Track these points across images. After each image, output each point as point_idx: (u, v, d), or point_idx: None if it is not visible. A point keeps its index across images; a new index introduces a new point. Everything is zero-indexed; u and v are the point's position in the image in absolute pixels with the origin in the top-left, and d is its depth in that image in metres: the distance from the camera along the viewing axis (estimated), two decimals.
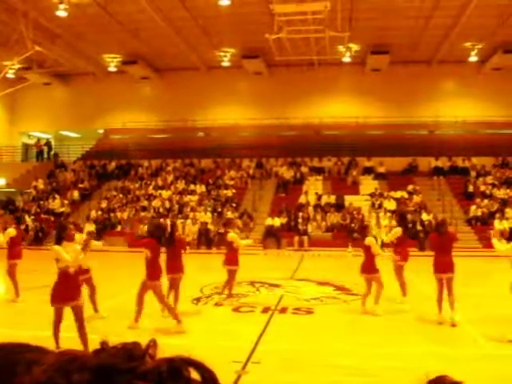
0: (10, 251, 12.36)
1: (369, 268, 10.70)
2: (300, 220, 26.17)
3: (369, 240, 10.84)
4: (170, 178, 31.26)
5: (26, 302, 11.68)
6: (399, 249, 11.99)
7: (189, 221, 26.16)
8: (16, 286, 11.96)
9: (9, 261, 12.30)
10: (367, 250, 10.79)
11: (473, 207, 26.52)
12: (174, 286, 10.66)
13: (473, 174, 29.85)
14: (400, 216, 13.85)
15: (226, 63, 31.23)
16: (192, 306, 11.48)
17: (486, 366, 7.15)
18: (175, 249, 10.58)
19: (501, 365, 7.29)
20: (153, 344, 0.64)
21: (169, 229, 10.80)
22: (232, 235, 11.82)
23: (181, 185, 30.40)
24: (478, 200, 27.15)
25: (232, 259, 11.65)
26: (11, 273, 12.17)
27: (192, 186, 30.15)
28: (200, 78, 34.09)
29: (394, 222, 25.60)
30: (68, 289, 7.39)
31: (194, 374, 0.60)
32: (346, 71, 32.76)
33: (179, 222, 25.92)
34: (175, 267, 10.48)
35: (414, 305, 11.09)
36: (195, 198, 28.91)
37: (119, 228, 27.41)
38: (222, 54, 30.48)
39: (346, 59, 29.61)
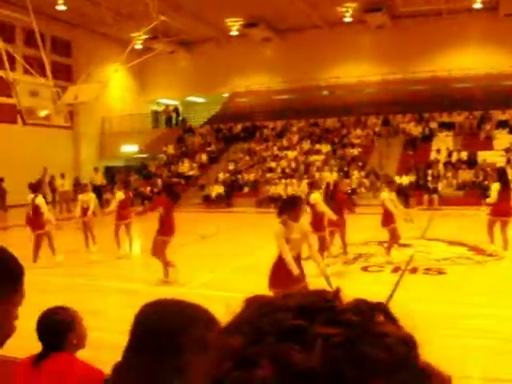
0: (118, 213, 13.67)
1: None
2: (429, 178, 25.28)
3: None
4: (295, 138, 31.27)
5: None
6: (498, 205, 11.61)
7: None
8: (118, 243, 13.44)
9: (116, 221, 13.72)
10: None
11: None
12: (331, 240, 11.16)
13: None
14: (498, 171, 12.83)
15: (347, 19, 30.50)
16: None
17: None
18: (336, 205, 10.91)
19: None
20: (339, 290, 0.63)
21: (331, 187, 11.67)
22: (316, 196, 10.80)
23: (306, 145, 30.34)
24: None
25: (315, 224, 10.10)
26: (116, 232, 13.53)
27: (317, 146, 30.00)
28: (322, 37, 33.53)
29: None
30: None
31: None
32: (477, 18, 30.75)
33: (305, 182, 26.06)
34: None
35: None
36: (321, 157, 28.77)
37: (246, 189, 27.91)
38: (343, 9, 29.74)
39: (478, 5, 27.82)
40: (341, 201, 11.49)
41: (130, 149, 34.11)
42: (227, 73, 35.48)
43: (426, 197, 24.29)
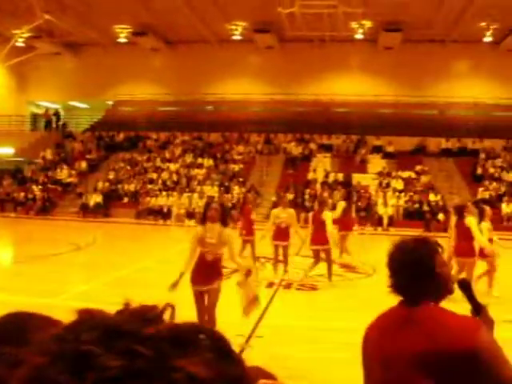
0: None
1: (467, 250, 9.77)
2: (307, 196, 26.14)
3: (469, 220, 9.86)
4: (178, 151, 31.22)
5: (35, 269, 11.77)
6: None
7: (196, 194, 26.20)
8: None
9: None
10: (467, 231, 9.80)
11: (481, 189, 26.40)
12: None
13: (482, 156, 29.66)
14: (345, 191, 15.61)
15: (237, 37, 30.95)
16: None
17: None
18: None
19: None
20: (169, 307, 0.63)
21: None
22: (327, 214, 11.49)
23: (188, 158, 30.38)
24: (486, 182, 27.04)
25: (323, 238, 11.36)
26: None
27: (200, 160, 30.13)
28: (211, 51, 33.75)
29: (401, 202, 25.66)
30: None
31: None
32: (358, 48, 32.37)
33: (186, 195, 26.08)
34: None
35: None
36: (203, 171, 28.91)
37: (126, 200, 27.45)
38: (233, 27, 30.18)
39: (359, 36, 29.28)
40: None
41: (4, 151, 32.40)
42: (113, 80, 34.76)
43: (302, 215, 25.00)
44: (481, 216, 10.41)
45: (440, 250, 2.29)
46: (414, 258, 2.22)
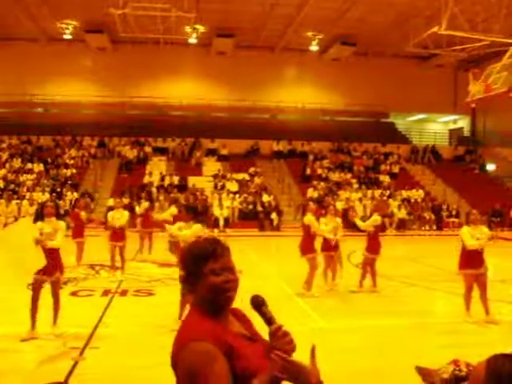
0: None
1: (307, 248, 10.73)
2: (143, 201, 25.83)
3: (308, 219, 10.75)
4: (5, 155, 29.40)
5: None
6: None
7: (25, 201, 24.85)
8: None
9: None
10: (306, 228, 10.76)
11: (310, 189, 27.84)
12: None
13: (310, 157, 31.34)
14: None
15: (67, 36, 29.84)
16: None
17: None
18: None
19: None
20: None
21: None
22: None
23: (17, 163, 28.73)
24: (315, 182, 28.58)
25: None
26: None
27: (29, 165, 28.60)
28: (39, 50, 32.15)
29: (236, 203, 26.31)
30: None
31: None
32: (192, 52, 32.72)
33: (14, 202, 24.65)
34: None
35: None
36: (32, 177, 27.50)
37: None
38: (63, 25, 29.04)
39: (193, 40, 29.56)
40: None
41: None
42: None
43: (138, 219, 24.67)
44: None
45: None
46: None
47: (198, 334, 1.99)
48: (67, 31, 29.53)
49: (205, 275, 2.12)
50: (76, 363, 6.53)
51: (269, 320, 2.04)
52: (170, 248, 13.90)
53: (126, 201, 25.12)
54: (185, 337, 2.02)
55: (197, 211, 8.66)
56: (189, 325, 2.10)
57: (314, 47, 31.60)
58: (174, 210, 14.95)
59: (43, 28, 30.52)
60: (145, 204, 17.66)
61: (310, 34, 30.08)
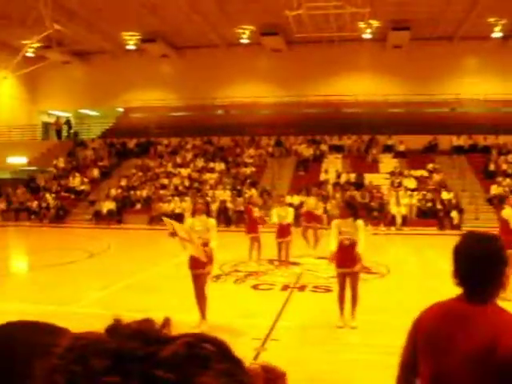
0: None
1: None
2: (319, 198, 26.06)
3: (506, 213, 9.95)
4: (189, 155, 31.28)
5: (50, 277, 11.84)
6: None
7: (208, 199, 26.21)
8: None
9: None
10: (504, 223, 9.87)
11: (493, 186, 26.21)
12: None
13: (494, 152, 29.45)
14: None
15: (244, 40, 31.04)
16: (212, 284, 11.53)
17: None
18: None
19: None
20: (167, 322, 0.62)
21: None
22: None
23: (200, 162, 30.43)
24: (499, 179, 26.85)
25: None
26: None
27: (211, 164, 30.16)
28: (219, 56, 33.89)
29: (414, 201, 25.55)
30: None
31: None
32: (367, 48, 32.34)
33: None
34: None
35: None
36: (214, 175, 28.95)
37: (138, 206, 27.53)
38: (240, 31, 30.26)
39: (367, 36, 29.22)
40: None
41: (17, 160, 32.65)
42: (123, 87, 34.97)
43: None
44: None
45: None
46: (491, 254, 2.13)
47: None
48: (244, 36, 30.70)
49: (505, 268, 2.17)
50: (258, 354, 6.70)
51: None
52: None
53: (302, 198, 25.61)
54: None
55: (356, 208, 8.33)
56: None
57: (496, 34, 29.71)
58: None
59: (222, 35, 32.01)
60: (311, 201, 18.38)
61: (492, 19, 28.30)
